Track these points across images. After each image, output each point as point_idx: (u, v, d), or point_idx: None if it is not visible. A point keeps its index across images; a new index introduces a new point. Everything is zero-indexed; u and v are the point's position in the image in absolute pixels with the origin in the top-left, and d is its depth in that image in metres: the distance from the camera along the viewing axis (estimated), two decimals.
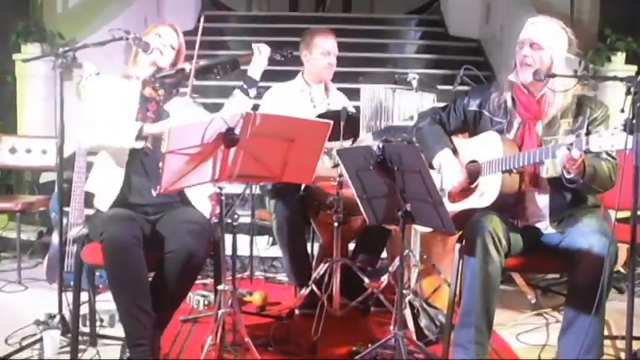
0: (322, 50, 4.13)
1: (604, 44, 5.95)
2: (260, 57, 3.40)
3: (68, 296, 3.28)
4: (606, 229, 2.87)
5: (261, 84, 3.44)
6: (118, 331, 2.93)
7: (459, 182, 3.14)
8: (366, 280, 3.66)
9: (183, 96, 3.20)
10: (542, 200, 3.02)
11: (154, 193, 2.83)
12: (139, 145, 3.04)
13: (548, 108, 3.02)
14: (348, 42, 4.25)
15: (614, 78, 2.94)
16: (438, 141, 3.23)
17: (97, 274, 3.59)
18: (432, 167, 3.19)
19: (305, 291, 3.69)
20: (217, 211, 2.91)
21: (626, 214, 2.79)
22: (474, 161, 3.13)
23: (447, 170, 3.16)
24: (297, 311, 3.86)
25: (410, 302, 3.50)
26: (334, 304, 3.59)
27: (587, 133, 2.93)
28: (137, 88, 3.21)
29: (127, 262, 2.83)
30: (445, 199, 3.10)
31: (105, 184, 3.12)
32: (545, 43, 2.98)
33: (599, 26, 6.70)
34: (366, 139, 3.99)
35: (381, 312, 3.83)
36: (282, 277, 4.73)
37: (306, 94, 4.16)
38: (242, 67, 3.40)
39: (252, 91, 3.36)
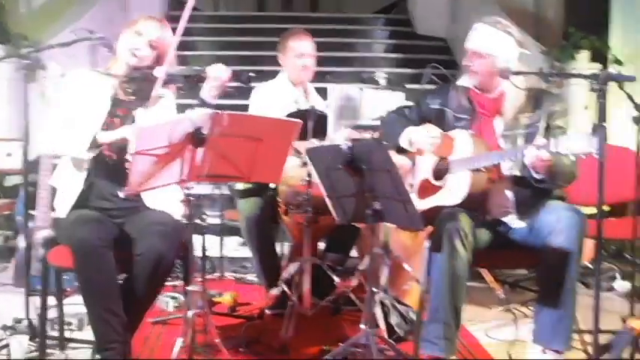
0: (296, 53, 4.12)
1: (568, 42, 6.03)
2: (213, 79, 3.01)
3: (35, 300, 3.24)
4: (572, 205, 2.96)
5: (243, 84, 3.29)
6: (87, 334, 2.90)
7: (438, 135, 3.13)
8: (337, 279, 3.66)
9: (161, 97, 3.12)
10: (508, 194, 3.08)
11: (122, 195, 2.81)
12: (93, 153, 2.98)
13: (504, 105, 3.11)
14: (315, 41, 4.24)
15: (579, 75, 3.00)
16: (401, 124, 3.27)
17: (65, 277, 3.55)
18: (402, 151, 3.23)
19: (275, 291, 3.68)
20: (186, 212, 2.88)
21: (593, 209, 2.83)
22: (442, 159, 3.16)
23: (419, 134, 3.16)
24: (267, 311, 3.85)
25: (380, 300, 3.51)
26: (305, 304, 3.59)
27: (547, 127, 3.01)
28: (112, 85, 3.12)
29: (97, 264, 2.79)
30: (414, 196, 3.13)
31: (65, 187, 3.07)
32: (485, 51, 3.08)
33: (563, 25, 6.80)
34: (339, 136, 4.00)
35: (352, 311, 3.84)
36: (253, 277, 4.71)
37: (292, 94, 4.15)
38: None
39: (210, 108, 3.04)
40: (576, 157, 2.80)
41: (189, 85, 3.07)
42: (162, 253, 2.87)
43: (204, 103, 3.03)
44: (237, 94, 3.48)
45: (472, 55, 3.12)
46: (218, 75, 3.01)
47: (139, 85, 3.09)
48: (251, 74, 3.09)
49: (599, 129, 2.51)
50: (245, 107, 4.14)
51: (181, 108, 3.18)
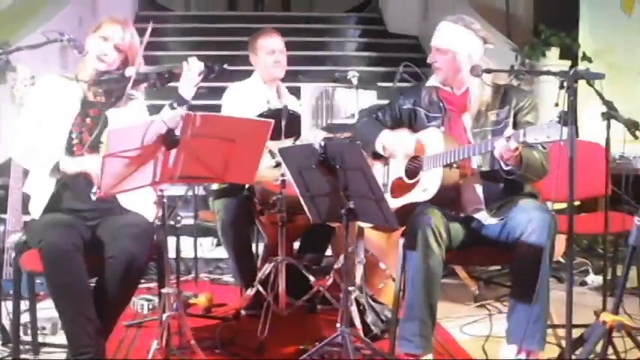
0: (266, 50, 4.13)
1: (539, 40, 6.08)
2: (190, 73, 3.05)
3: (8, 305, 3.21)
4: (544, 206, 2.98)
5: (215, 84, 3.28)
6: (61, 338, 2.88)
7: (414, 146, 3.17)
8: (312, 278, 3.66)
9: (132, 98, 3.12)
10: (478, 190, 3.10)
11: (94, 197, 2.79)
12: (55, 177, 2.96)
13: (470, 101, 3.14)
14: (287, 40, 4.24)
15: (548, 73, 3.02)
16: (375, 129, 3.29)
17: (38, 281, 3.51)
18: (378, 156, 3.24)
19: (251, 291, 3.67)
20: (159, 213, 2.87)
21: (563, 205, 2.86)
22: (415, 157, 3.18)
23: (395, 143, 3.20)
24: (243, 312, 3.85)
25: (356, 299, 3.52)
26: (280, 304, 3.58)
27: (515, 122, 3.05)
28: (81, 89, 3.11)
29: (67, 269, 2.76)
30: (387, 195, 3.14)
31: (38, 189, 3.05)
32: (446, 46, 3.13)
33: (533, 22, 6.86)
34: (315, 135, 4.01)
35: (328, 310, 3.85)
36: (228, 278, 4.71)
37: (264, 94, 4.14)
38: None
39: (182, 110, 3.08)
40: (545, 146, 2.84)
41: (161, 83, 3.08)
42: (134, 255, 2.85)
43: (182, 100, 3.08)
44: (208, 93, 3.49)
45: (435, 52, 3.17)
46: (192, 67, 3.03)
47: (108, 87, 3.08)
48: (225, 65, 3.11)
49: (569, 125, 2.53)
50: (217, 107, 4.13)
51: (156, 109, 3.20)
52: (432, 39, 3.20)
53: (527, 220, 2.89)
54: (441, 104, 3.20)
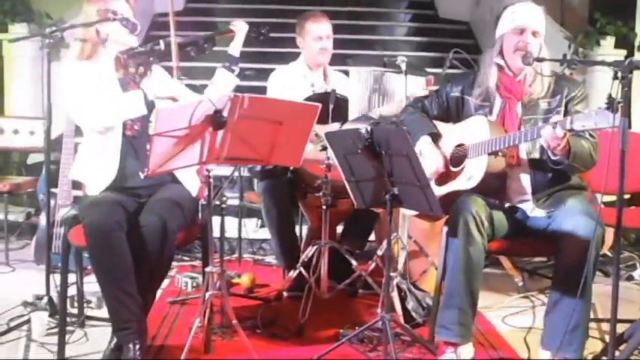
0: (314, 36, 4.10)
1: (594, 28, 5.96)
2: (239, 34, 3.46)
3: (56, 278, 3.28)
4: (592, 211, 2.89)
5: (264, 66, 3.39)
6: (106, 312, 2.93)
7: (436, 169, 3.18)
8: (354, 262, 3.67)
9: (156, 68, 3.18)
10: (525, 180, 3.06)
11: (142, 176, 2.82)
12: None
13: (529, 88, 3.08)
14: (336, 24, 4.23)
15: (602, 63, 2.95)
16: (419, 128, 3.27)
17: (85, 255, 3.59)
18: None
19: (293, 273, 3.69)
20: (206, 192, 2.90)
21: (613, 197, 2.80)
22: (461, 145, 3.15)
23: (425, 157, 3.19)
24: (285, 294, 3.87)
25: (397, 285, 3.52)
26: (322, 287, 3.60)
27: (566, 112, 2.99)
28: (111, 68, 3.13)
29: (109, 246, 2.81)
30: (432, 183, 3.12)
31: (98, 171, 3.07)
32: (542, 30, 3.05)
33: (589, 10, 6.72)
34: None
35: (369, 295, 3.86)
36: (271, 259, 4.74)
37: (307, 78, 4.14)
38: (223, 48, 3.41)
39: (236, 69, 3.39)
40: (594, 134, 2.81)
41: (199, 49, 3.22)
42: (164, 220, 2.87)
43: (234, 60, 3.42)
44: (255, 75, 3.53)
45: (530, 34, 3.03)
46: (241, 29, 3.47)
47: (138, 60, 3.08)
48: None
49: (622, 117, 2.46)
50: (264, 89, 4.14)
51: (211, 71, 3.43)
52: (523, 18, 3.05)
53: (573, 227, 2.82)
54: (493, 91, 3.13)
